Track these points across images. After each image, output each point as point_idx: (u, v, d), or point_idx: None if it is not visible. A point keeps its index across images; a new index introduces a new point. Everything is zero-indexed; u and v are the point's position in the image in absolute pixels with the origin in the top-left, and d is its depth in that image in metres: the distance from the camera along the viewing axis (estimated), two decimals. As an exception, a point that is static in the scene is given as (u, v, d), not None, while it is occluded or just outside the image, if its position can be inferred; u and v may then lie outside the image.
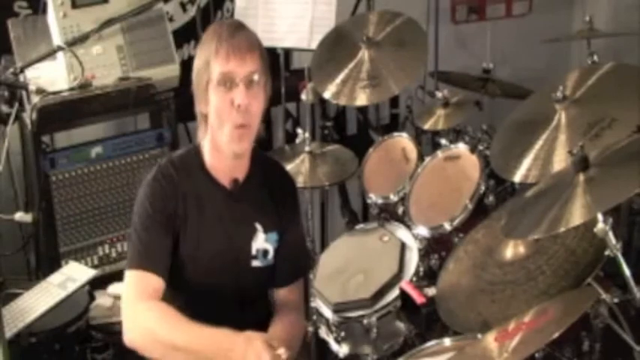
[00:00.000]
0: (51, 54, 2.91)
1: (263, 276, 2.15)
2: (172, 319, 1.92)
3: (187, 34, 3.53)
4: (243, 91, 1.94)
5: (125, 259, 2.11)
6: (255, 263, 2.12)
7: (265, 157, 2.25)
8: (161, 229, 2.02)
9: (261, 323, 2.12)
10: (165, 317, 1.93)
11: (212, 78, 1.96)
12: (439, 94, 3.11)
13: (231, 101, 1.95)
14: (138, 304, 1.96)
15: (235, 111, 1.95)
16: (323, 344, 2.69)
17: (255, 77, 1.97)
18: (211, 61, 1.95)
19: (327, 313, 2.65)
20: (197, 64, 2.01)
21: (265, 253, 2.13)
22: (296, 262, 2.22)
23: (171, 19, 3.43)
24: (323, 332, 2.69)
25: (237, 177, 2.09)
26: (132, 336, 1.96)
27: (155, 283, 1.98)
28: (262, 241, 2.12)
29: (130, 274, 2.01)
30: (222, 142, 2.01)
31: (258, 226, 2.11)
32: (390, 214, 2.92)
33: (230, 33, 1.97)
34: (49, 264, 2.90)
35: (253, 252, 2.11)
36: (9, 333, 2.29)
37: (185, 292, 2.08)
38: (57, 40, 2.90)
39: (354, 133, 4.07)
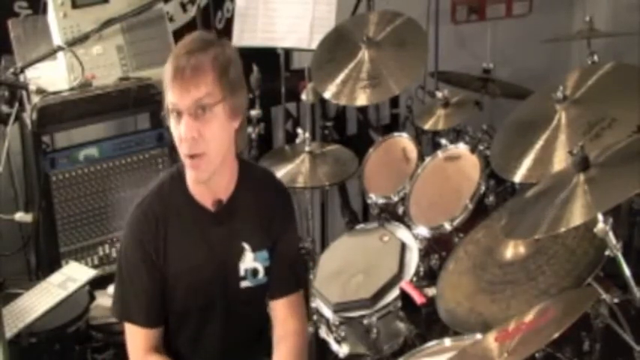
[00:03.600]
0: (51, 54, 2.90)
1: (254, 296, 2.10)
2: None
3: (187, 35, 3.52)
4: (187, 123, 1.85)
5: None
6: (245, 284, 2.07)
7: (254, 169, 2.15)
8: (142, 267, 2.01)
9: (253, 340, 2.16)
10: None
11: (168, 106, 1.88)
12: (439, 94, 3.10)
13: (179, 133, 1.87)
14: None
15: (184, 142, 1.88)
16: (323, 344, 2.69)
17: (204, 102, 1.85)
18: (167, 87, 1.87)
19: (327, 313, 2.66)
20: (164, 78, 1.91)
21: (255, 272, 2.07)
22: (290, 275, 2.13)
23: (171, 19, 3.43)
24: (323, 332, 2.69)
25: (221, 197, 2.02)
26: None
27: (141, 333, 2.03)
28: (251, 261, 2.06)
29: (125, 325, 2.07)
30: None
31: (246, 246, 2.05)
32: (390, 214, 2.91)
33: (185, 59, 1.85)
34: (49, 264, 2.89)
35: (241, 273, 2.05)
36: (9, 333, 2.28)
37: (176, 316, 2.07)
38: (57, 40, 2.90)
39: (354, 133, 4.06)
